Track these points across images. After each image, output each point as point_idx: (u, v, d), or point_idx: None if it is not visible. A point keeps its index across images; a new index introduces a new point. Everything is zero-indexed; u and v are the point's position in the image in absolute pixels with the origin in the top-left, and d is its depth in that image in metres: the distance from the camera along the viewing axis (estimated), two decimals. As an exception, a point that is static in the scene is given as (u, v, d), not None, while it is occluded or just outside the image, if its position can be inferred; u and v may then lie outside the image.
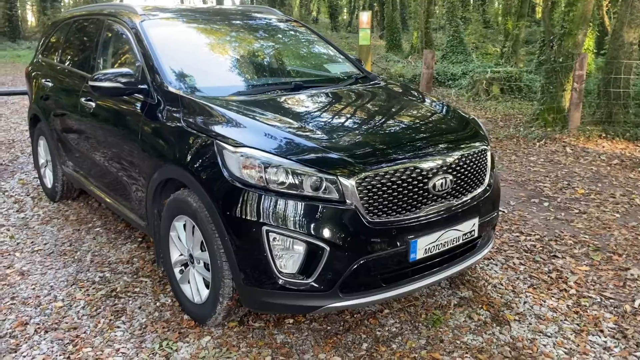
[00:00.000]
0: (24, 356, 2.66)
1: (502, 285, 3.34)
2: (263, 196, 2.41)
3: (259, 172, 2.43)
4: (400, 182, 2.50)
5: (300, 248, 2.40)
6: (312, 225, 2.38)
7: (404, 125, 3.06)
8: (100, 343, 2.75)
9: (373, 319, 2.95)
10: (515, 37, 15.06)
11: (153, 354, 2.66)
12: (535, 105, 8.54)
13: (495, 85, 10.64)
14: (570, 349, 2.71)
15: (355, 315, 2.97)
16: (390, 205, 2.49)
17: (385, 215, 2.48)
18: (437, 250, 2.65)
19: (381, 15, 28.58)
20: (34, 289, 3.31)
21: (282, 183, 2.42)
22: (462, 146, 2.82)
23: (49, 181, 4.92)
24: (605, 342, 2.77)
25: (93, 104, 3.69)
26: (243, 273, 2.51)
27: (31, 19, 34.71)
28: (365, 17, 11.43)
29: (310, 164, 2.43)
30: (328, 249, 2.38)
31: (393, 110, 3.29)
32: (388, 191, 2.48)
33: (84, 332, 2.85)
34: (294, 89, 3.34)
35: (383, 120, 3.06)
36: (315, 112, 3.10)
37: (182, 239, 2.93)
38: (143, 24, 3.48)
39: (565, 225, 4.31)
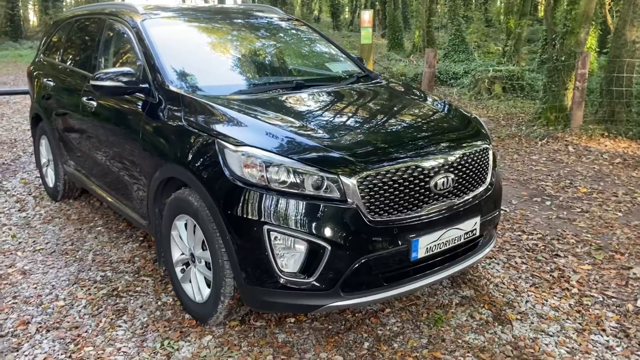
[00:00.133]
0: (26, 355, 2.66)
1: (504, 284, 3.33)
2: (264, 195, 2.41)
3: (260, 171, 2.43)
4: (401, 181, 2.50)
5: (301, 247, 2.40)
6: (313, 225, 2.38)
7: (405, 124, 3.05)
8: (102, 342, 2.75)
9: (374, 318, 2.94)
10: (518, 36, 15.02)
11: (154, 353, 2.66)
12: (537, 104, 8.52)
13: (497, 84, 10.62)
14: (573, 348, 2.71)
15: (356, 315, 2.97)
16: (392, 204, 2.49)
17: (386, 214, 2.48)
18: (439, 249, 2.64)
19: (383, 14, 28.62)
20: (35, 288, 3.32)
21: (284, 182, 2.41)
22: (464, 145, 2.81)
23: (50, 180, 4.93)
24: (608, 341, 2.77)
25: (94, 103, 3.70)
26: (244, 272, 2.51)
27: (33, 18, 34.77)
28: (367, 15, 11.44)
29: (311, 163, 2.43)
30: (329, 248, 2.38)
31: (395, 109, 3.28)
32: (389, 190, 2.47)
33: (86, 331, 2.85)
34: (295, 87, 3.34)
35: (384, 119, 3.05)
36: (316, 111, 3.10)
37: (184, 238, 2.93)
38: (144, 23, 3.48)
39: (567, 224, 4.30)
